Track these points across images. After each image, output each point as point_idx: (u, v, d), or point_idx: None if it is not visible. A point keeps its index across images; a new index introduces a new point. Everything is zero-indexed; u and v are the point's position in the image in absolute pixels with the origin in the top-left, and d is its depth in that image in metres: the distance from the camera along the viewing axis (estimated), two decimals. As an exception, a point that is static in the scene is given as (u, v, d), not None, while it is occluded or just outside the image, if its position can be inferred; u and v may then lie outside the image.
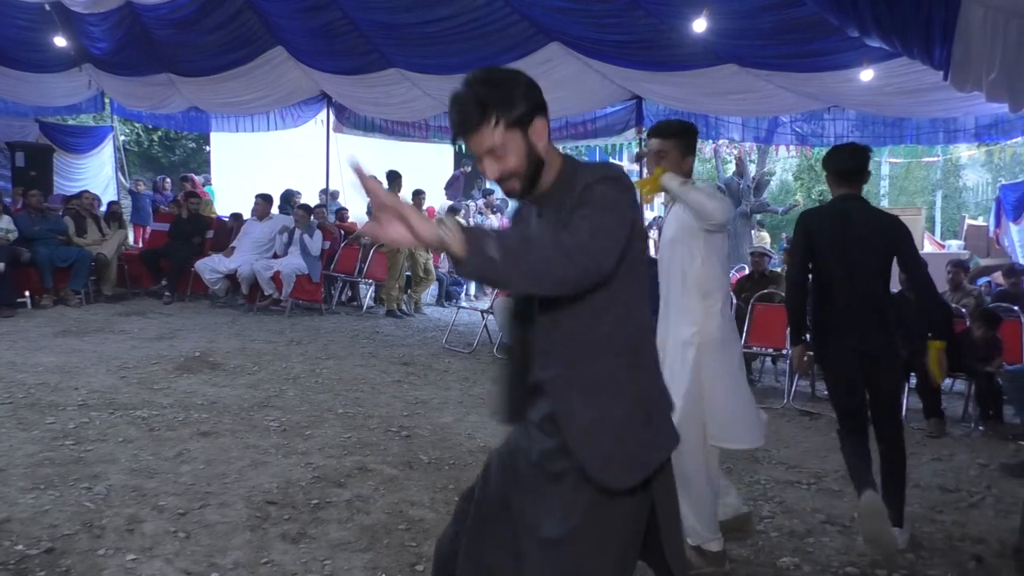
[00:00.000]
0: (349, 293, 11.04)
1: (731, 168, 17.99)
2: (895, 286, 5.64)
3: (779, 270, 8.41)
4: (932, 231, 19.57)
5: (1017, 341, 6.25)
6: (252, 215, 10.39)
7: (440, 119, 11.74)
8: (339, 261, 10.33)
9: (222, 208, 13.77)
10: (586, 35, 8.41)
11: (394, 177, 10.43)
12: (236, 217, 11.06)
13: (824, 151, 4.24)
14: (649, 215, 13.83)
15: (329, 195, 13.09)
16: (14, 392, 5.42)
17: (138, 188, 14.80)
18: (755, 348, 6.90)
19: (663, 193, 3.30)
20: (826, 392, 3.95)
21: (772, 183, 20.44)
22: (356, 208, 12.91)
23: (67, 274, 9.35)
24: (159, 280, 10.28)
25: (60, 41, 10.62)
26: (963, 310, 6.78)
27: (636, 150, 3.17)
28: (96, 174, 14.45)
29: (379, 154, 13.42)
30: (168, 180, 15.67)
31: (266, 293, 9.60)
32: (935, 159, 20.01)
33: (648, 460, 1.80)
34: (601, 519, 1.76)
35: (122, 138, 17.00)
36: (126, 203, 14.28)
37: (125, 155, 16.43)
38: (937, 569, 3.38)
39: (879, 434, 3.66)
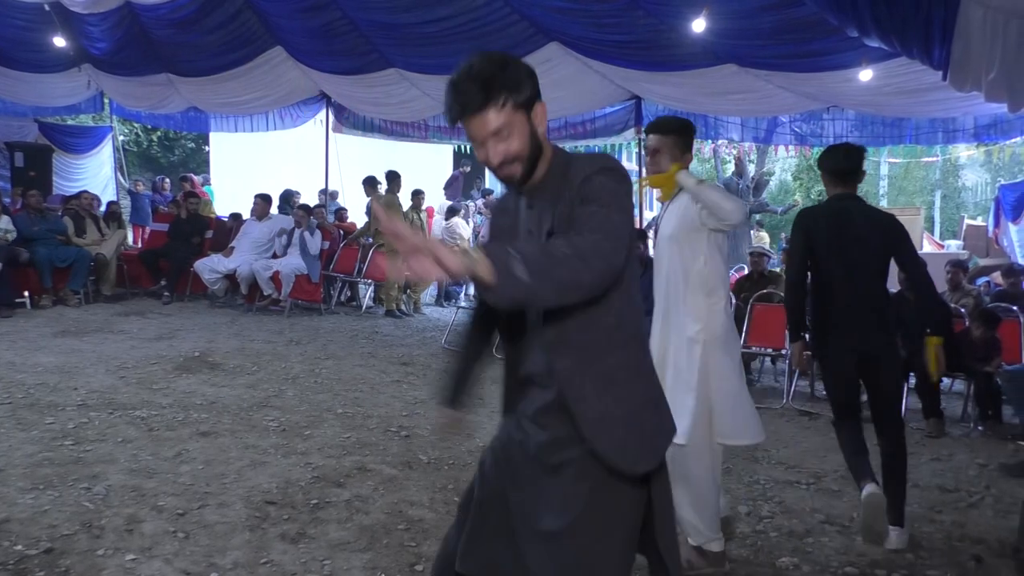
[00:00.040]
0: (348, 293, 11.04)
1: (730, 168, 17.98)
2: (895, 286, 5.67)
3: (778, 270, 8.40)
4: (931, 231, 19.57)
5: (1016, 341, 6.25)
6: (251, 215, 10.39)
7: (439, 119, 11.73)
8: (338, 261, 10.33)
9: (221, 208, 13.77)
10: (586, 35, 8.41)
11: (393, 177, 10.43)
12: (235, 217, 11.06)
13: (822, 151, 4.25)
14: (648, 215, 13.84)
15: (328, 195, 13.09)
16: (13, 392, 5.42)
17: (137, 188, 14.80)
18: (754, 348, 6.90)
19: (657, 190, 3.28)
20: (824, 391, 3.98)
21: (771, 183, 20.43)
22: (355, 208, 12.91)
23: (66, 274, 9.35)
24: (158, 280, 10.28)
25: (59, 41, 10.61)
26: (962, 310, 6.78)
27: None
28: (95, 174, 14.45)
29: (378, 154, 13.44)
30: (167, 180, 15.67)
31: (265, 293, 9.60)
32: (934, 159, 20.00)
33: (661, 445, 1.84)
34: (601, 510, 1.77)
35: (121, 138, 16.99)
36: (125, 203, 14.27)
37: (124, 155, 16.42)
38: (936, 569, 3.38)
39: (880, 433, 3.68)
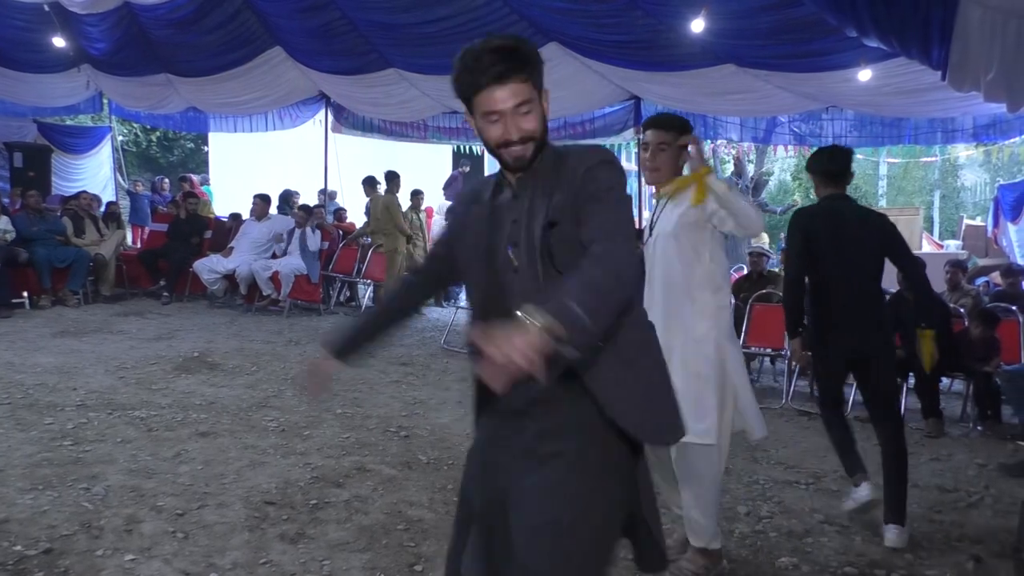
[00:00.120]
0: (348, 293, 11.03)
1: (729, 168, 17.98)
2: (894, 286, 5.68)
3: (777, 270, 8.40)
4: (930, 231, 19.57)
5: (1015, 341, 6.25)
6: (251, 215, 10.39)
7: (439, 119, 11.74)
8: (337, 261, 10.33)
9: (220, 208, 13.77)
10: (585, 35, 8.41)
11: (392, 177, 10.43)
12: (235, 217, 11.06)
13: None
14: (648, 215, 13.83)
15: (327, 195, 13.09)
16: (12, 393, 5.42)
17: (136, 188, 14.79)
18: (754, 348, 6.90)
19: (653, 187, 3.22)
20: (814, 386, 4.06)
21: (770, 183, 20.42)
22: (354, 208, 12.90)
23: (65, 274, 9.35)
24: (157, 280, 10.28)
25: (58, 41, 10.60)
26: (961, 310, 6.78)
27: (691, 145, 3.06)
28: (94, 174, 14.45)
29: (377, 154, 13.43)
30: (166, 180, 15.66)
31: (264, 293, 9.60)
32: (933, 159, 20.00)
33: (682, 420, 1.87)
34: (594, 497, 1.77)
35: (120, 138, 16.99)
36: (124, 203, 14.27)
37: (123, 155, 16.41)
38: (935, 569, 3.38)
39: (879, 432, 3.72)
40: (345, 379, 6.33)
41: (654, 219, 3.18)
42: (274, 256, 9.95)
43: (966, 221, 16.86)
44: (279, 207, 11.74)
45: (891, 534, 3.57)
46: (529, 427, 1.80)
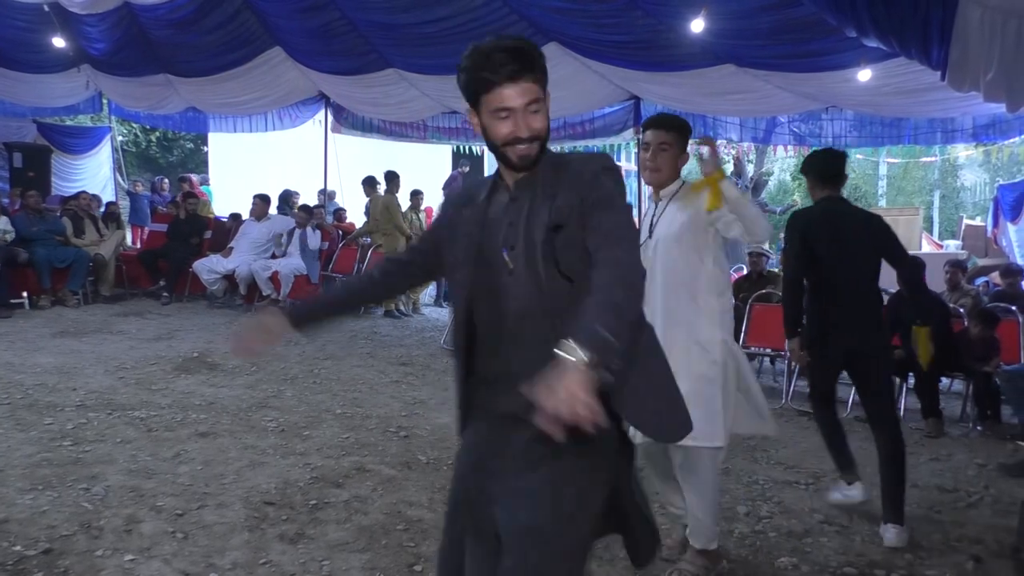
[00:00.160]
0: (347, 293, 11.02)
1: (729, 168, 18.00)
2: (894, 286, 5.68)
3: (776, 270, 8.40)
4: (930, 231, 19.57)
5: (1015, 341, 6.24)
6: (250, 215, 10.39)
7: (438, 119, 11.74)
8: (337, 261, 10.33)
9: (220, 208, 13.77)
10: (584, 35, 8.41)
11: (392, 177, 10.44)
12: (235, 217, 11.06)
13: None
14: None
15: (327, 195, 13.09)
16: (12, 393, 5.42)
17: (136, 189, 14.79)
18: (753, 348, 6.90)
19: (651, 187, 3.19)
20: (809, 383, 4.12)
21: (770, 183, 20.41)
22: (354, 208, 12.91)
23: (65, 275, 9.36)
24: (157, 281, 10.28)
25: (58, 42, 10.60)
26: (961, 310, 6.78)
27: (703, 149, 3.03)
28: (94, 175, 14.45)
29: (377, 154, 13.43)
30: (166, 180, 15.66)
31: (264, 293, 9.60)
32: (933, 159, 20.00)
33: (688, 416, 1.87)
34: (586, 502, 1.79)
35: (120, 138, 16.99)
36: (124, 204, 14.27)
37: (123, 156, 16.41)
38: (935, 569, 3.38)
39: (877, 432, 3.75)
40: (345, 379, 6.34)
41: (654, 220, 3.13)
42: (273, 256, 9.96)
43: (966, 221, 16.87)
44: (279, 207, 11.75)
45: (890, 534, 3.57)
46: (522, 430, 1.79)
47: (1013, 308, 6.60)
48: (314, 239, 9.81)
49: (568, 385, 1.40)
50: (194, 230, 10.71)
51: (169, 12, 9.76)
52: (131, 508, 3.59)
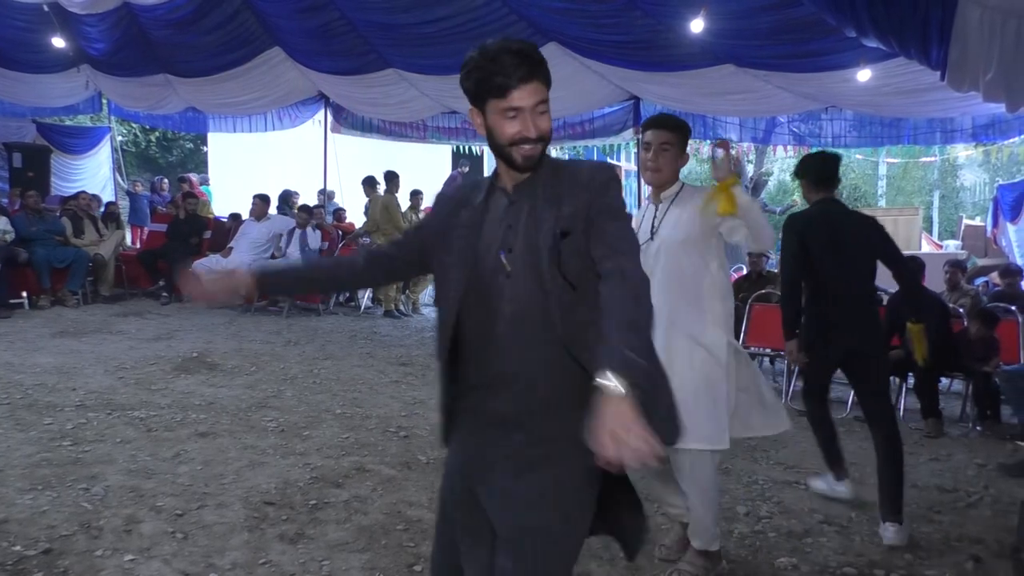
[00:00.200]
0: (347, 294, 11.03)
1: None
2: (894, 286, 5.68)
3: (776, 270, 8.41)
4: (929, 231, 19.57)
5: (1014, 341, 6.24)
6: (250, 215, 10.39)
7: (438, 119, 11.75)
8: (337, 261, 10.32)
9: (220, 208, 13.78)
10: (584, 35, 8.42)
11: (392, 177, 10.44)
12: (235, 217, 11.06)
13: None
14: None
15: (326, 195, 13.09)
16: (12, 393, 5.41)
17: (135, 189, 14.80)
18: (753, 348, 6.90)
19: (652, 187, 3.15)
20: (806, 381, 4.19)
21: (770, 183, 20.44)
22: (353, 208, 12.91)
23: (64, 275, 9.36)
24: (156, 281, 10.29)
25: (58, 42, 10.61)
26: (960, 310, 6.78)
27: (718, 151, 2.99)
28: (93, 175, 14.46)
29: (377, 154, 13.44)
30: (165, 181, 15.67)
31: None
32: (932, 159, 20.01)
33: (681, 420, 1.88)
34: (583, 504, 1.81)
35: (119, 139, 16.99)
36: (123, 204, 14.28)
37: (122, 156, 16.41)
38: (935, 569, 3.38)
39: (875, 432, 3.80)
40: (344, 379, 6.34)
41: (655, 222, 3.09)
42: (273, 257, 9.95)
43: (965, 221, 16.88)
44: (278, 207, 11.75)
45: (889, 532, 3.59)
46: (518, 433, 1.79)
47: (1012, 308, 6.60)
48: (314, 239, 9.83)
49: (624, 425, 1.43)
50: (193, 230, 10.71)
51: (168, 12, 9.77)
52: (131, 508, 3.59)
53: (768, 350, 6.95)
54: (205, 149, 19.28)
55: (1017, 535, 3.38)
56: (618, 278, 1.66)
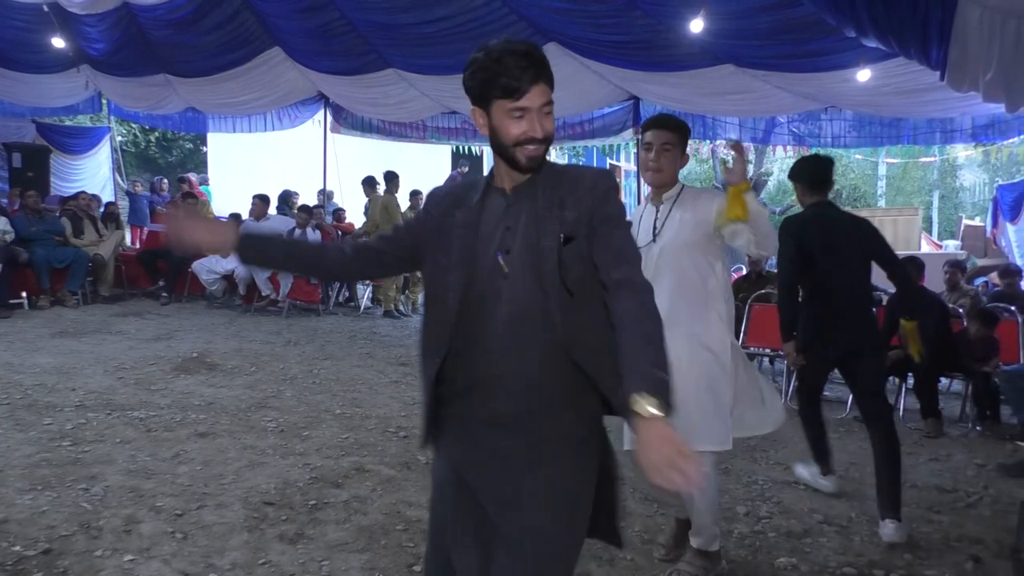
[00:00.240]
0: (347, 294, 11.03)
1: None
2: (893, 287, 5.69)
3: (776, 270, 8.41)
4: (929, 231, 19.60)
5: (1014, 341, 6.25)
6: (250, 216, 10.39)
7: (437, 119, 11.75)
8: (336, 262, 10.32)
9: (220, 208, 13.77)
10: (584, 35, 8.42)
11: (391, 177, 10.45)
12: (235, 217, 11.05)
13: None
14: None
15: (326, 195, 13.09)
16: (11, 393, 5.41)
17: (135, 189, 14.80)
18: (753, 348, 6.90)
19: (652, 188, 3.12)
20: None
21: (769, 183, 20.45)
22: (353, 208, 12.91)
23: (64, 275, 9.35)
24: (156, 281, 10.29)
25: (58, 42, 10.61)
26: (960, 310, 6.78)
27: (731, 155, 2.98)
28: (93, 175, 14.46)
29: (376, 154, 13.44)
30: (165, 181, 15.66)
31: (263, 294, 9.60)
32: (932, 159, 20.03)
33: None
34: (584, 502, 1.82)
35: (119, 139, 16.99)
36: (123, 204, 14.28)
37: (122, 156, 16.41)
38: (934, 569, 3.38)
39: (872, 430, 3.85)
40: (344, 380, 6.34)
41: (657, 224, 3.06)
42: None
43: (965, 221, 16.90)
44: (278, 207, 11.74)
45: (888, 529, 3.61)
46: (515, 434, 1.79)
47: (1012, 308, 6.60)
48: (314, 239, 9.83)
49: (674, 450, 1.46)
50: (193, 230, 10.69)
51: (168, 12, 9.76)
52: (130, 508, 3.59)
53: (768, 350, 6.96)
54: (205, 149, 19.28)
55: (1017, 535, 3.38)
56: (628, 290, 1.69)
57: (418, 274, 7.79)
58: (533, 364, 1.77)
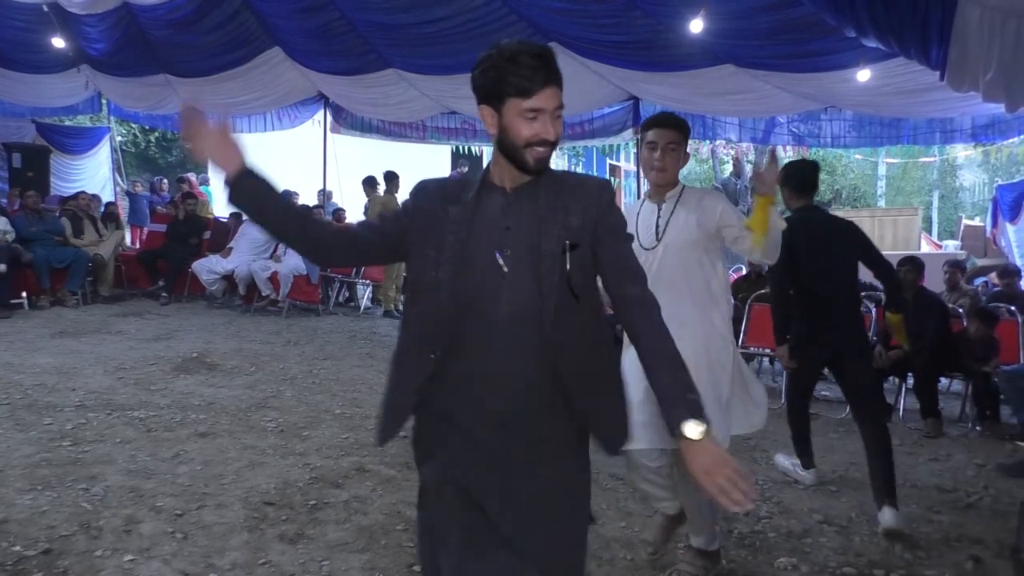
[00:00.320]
0: (347, 294, 11.04)
1: (728, 168, 18.00)
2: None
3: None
4: (929, 231, 19.60)
5: (1014, 341, 6.25)
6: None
7: (437, 120, 11.74)
8: (337, 262, 10.32)
9: (220, 209, 13.76)
10: (583, 35, 8.41)
11: (392, 177, 10.45)
12: (236, 217, 11.05)
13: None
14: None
15: (325, 195, 13.09)
16: (11, 393, 5.41)
17: (135, 189, 14.80)
18: (752, 348, 6.90)
19: (655, 186, 3.10)
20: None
21: (769, 183, 20.42)
22: (353, 208, 12.91)
23: (64, 275, 9.35)
24: (156, 281, 10.28)
25: (58, 42, 10.60)
26: (960, 310, 6.78)
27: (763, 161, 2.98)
28: (93, 175, 14.45)
29: (377, 155, 13.43)
30: (165, 181, 15.67)
31: (263, 294, 9.60)
32: (932, 159, 20.03)
33: (628, 432, 1.96)
34: (579, 493, 1.89)
35: (119, 139, 16.98)
36: (123, 204, 14.28)
37: (122, 156, 16.41)
38: (934, 569, 3.38)
39: (861, 425, 3.97)
40: (344, 380, 6.34)
41: (660, 224, 3.03)
42: (273, 255, 9.92)
43: (965, 221, 16.90)
44: (278, 207, 11.72)
45: (887, 515, 3.66)
46: (515, 434, 1.80)
47: (1012, 308, 6.61)
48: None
49: (730, 468, 1.60)
50: (193, 230, 10.70)
51: (168, 12, 9.76)
52: (130, 508, 3.59)
53: (768, 350, 6.95)
54: (205, 149, 19.20)
55: (1017, 535, 3.38)
56: (643, 307, 1.78)
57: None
58: (532, 364, 1.77)
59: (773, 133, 10.28)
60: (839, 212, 14.56)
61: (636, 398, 2.92)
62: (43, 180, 12.66)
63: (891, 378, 6.27)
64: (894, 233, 14.42)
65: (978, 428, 5.83)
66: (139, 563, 3.09)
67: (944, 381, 6.61)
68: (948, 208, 23.92)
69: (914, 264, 6.20)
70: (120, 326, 8.26)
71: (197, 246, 10.53)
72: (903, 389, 6.24)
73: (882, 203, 21.76)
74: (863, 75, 7.40)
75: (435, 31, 8.82)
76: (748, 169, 16.33)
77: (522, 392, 1.78)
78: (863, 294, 6.92)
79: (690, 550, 3.18)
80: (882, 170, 21.95)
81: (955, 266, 7.86)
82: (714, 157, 18.31)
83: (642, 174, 3.28)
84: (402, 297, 10.39)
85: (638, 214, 3.10)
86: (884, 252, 4.40)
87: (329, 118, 12.36)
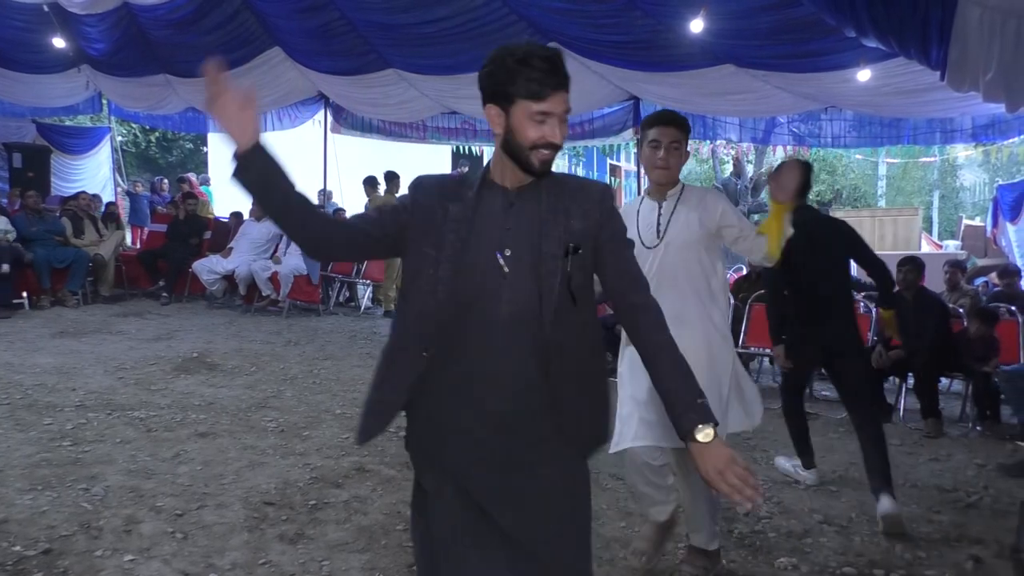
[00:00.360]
0: (347, 294, 11.04)
1: (728, 169, 18.02)
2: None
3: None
4: (929, 231, 19.60)
5: (1014, 341, 6.25)
6: (250, 215, 10.39)
7: (437, 120, 11.73)
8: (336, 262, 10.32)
9: (220, 209, 13.77)
10: (583, 35, 8.41)
11: (392, 177, 10.45)
12: (237, 216, 11.06)
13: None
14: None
15: (326, 195, 13.09)
16: (11, 393, 5.42)
17: (135, 189, 14.80)
18: (752, 348, 6.90)
19: (656, 185, 3.08)
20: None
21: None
22: (353, 208, 12.91)
23: (64, 275, 9.35)
24: (156, 281, 10.29)
25: (58, 42, 10.61)
26: (960, 310, 6.78)
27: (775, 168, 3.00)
28: (93, 175, 14.45)
29: (377, 155, 13.44)
30: (165, 181, 15.66)
31: (264, 294, 9.60)
32: (932, 159, 20.04)
33: (608, 436, 2.02)
34: (580, 492, 1.90)
35: (119, 139, 16.99)
36: (123, 204, 14.28)
37: (122, 156, 16.41)
38: (934, 569, 3.38)
39: (856, 423, 4.05)
40: (344, 380, 6.34)
41: (661, 222, 3.02)
42: (273, 255, 9.92)
43: (965, 221, 16.90)
44: (278, 207, 11.72)
45: (885, 503, 3.71)
46: (516, 435, 1.80)
47: (1012, 308, 6.60)
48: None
49: (740, 466, 1.68)
50: (193, 230, 10.71)
51: (168, 12, 9.75)
52: (131, 508, 3.59)
53: (767, 350, 6.94)
54: (205, 149, 19.27)
55: (1017, 535, 3.38)
56: (647, 314, 1.82)
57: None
58: (532, 364, 1.77)
59: (773, 133, 10.27)
60: (839, 212, 14.63)
61: (641, 397, 2.94)
62: (43, 180, 12.67)
63: (891, 378, 6.27)
64: (894, 233, 14.43)
65: (978, 428, 5.83)
66: (139, 563, 3.09)
67: (944, 381, 6.60)
68: (948, 208, 23.93)
69: (914, 264, 6.20)
70: (120, 326, 8.27)
71: (197, 246, 10.53)
72: (903, 389, 6.24)
73: (882, 203, 21.76)
74: (863, 75, 7.39)
75: (435, 31, 8.81)
76: (749, 169, 16.36)
77: (522, 392, 1.78)
78: (864, 295, 6.94)
79: (690, 550, 3.18)
80: (882, 170, 21.96)
81: (955, 266, 7.85)
82: (714, 157, 18.31)
83: (643, 173, 3.27)
84: (400, 295, 10.38)
85: (638, 212, 3.09)
86: (885, 252, 4.43)
87: (329, 118, 12.36)
